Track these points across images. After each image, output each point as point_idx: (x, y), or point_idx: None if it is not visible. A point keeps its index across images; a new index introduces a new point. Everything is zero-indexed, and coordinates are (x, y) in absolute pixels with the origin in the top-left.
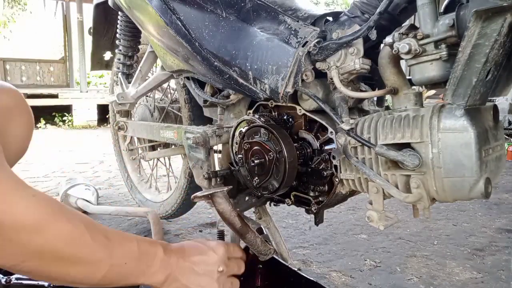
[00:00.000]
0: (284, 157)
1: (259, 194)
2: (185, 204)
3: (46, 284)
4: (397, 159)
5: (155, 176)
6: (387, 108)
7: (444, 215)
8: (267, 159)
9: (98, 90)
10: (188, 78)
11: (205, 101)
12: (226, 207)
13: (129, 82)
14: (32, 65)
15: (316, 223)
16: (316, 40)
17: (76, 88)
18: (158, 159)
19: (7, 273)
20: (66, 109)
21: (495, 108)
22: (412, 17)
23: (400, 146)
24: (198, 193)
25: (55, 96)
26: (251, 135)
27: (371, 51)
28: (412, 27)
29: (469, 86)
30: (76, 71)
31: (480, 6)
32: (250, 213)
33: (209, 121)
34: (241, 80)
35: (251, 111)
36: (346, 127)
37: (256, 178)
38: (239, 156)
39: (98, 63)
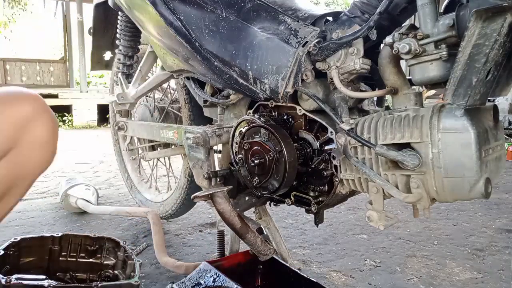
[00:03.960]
0: (284, 157)
1: (259, 194)
2: (185, 204)
3: (45, 284)
4: (397, 159)
5: (155, 176)
6: (387, 108)
7: (444, 215)
8: (267, 159)
9: (98, 90)
10: (188, 78)
11: (205, 101)
12: (226, 207)
13: (129, 82)
14: (32, 65)
15: (316, 223)
16: (316, 40)
17: (76, 88)
18: (158, 159)
19: (7, 273)
20: (66, 109)
21: (495, 108)
22: (412, 17)
23: (400, 146)
24: (198, 193)
25: (55, 96)
26: (251, 135)
27: (371, 51)
28: (412, 27)
29: (469, 86)
30: (76, 71)
31: (480, 6)
32: (250, 213)
33: (209, 121)
34: (241, 80)
35: (251, 111)
36: (346, 127)
37: (256, 178)
38: (239, 156)
39: (98, 63)
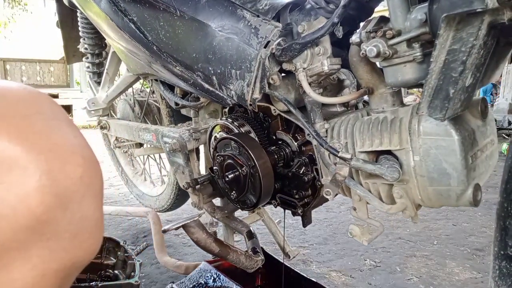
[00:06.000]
0: (258, 173)
1: (239, 207)
2: (179, 199)
3: None
4: (375, 173)
5: (147, 170)
6: (366, 102)
7: (444, 215)
8: (241, 173)
9: None
10: (156, 80)
11: (176, 103)
12: (201, 236)
13: (100, 83)
14: (32, 65)
15: (304, 225)
16: (278, 40)
17: (76, 88)
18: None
19: None
20: (66, 109)
21: (483, 102)
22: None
23: (380, 152)
24: (169, 226)
25: (55, 96)
26: (223, 148)
27: (345, 37)
28: (382, 20)
29: (446, 98)
30: (77, 71)
31: (450, 9)
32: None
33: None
34: (206, 86)
35: (226, 110)
36: (320, 137)
37: (233, 192)
38: (215, 167)
39: (74, 55)
